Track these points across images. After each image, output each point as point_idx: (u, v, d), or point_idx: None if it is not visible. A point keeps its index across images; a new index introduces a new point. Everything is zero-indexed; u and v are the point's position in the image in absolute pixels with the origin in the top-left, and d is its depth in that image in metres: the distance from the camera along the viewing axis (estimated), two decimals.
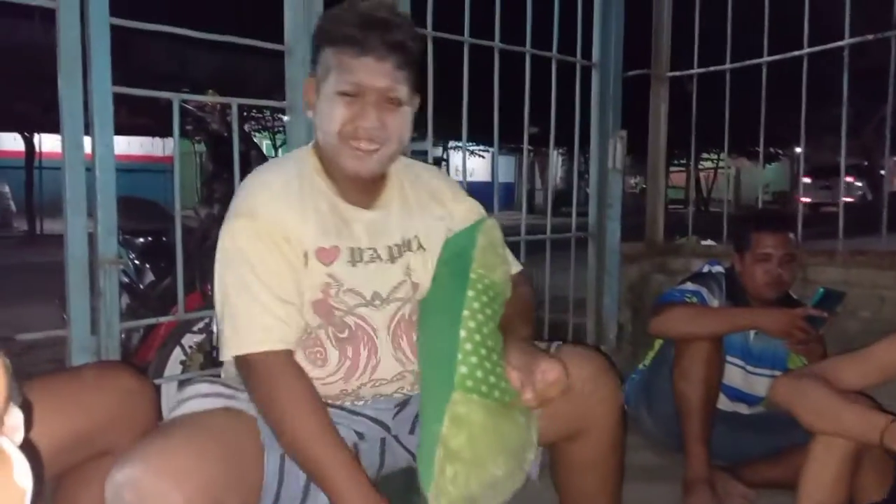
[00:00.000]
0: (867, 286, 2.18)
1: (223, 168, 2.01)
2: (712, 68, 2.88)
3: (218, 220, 2.11)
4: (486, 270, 1.20)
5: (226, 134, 2.04)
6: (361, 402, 1.23)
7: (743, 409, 2.13)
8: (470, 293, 1.16)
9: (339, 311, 1.17)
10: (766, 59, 2.69)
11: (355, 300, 1.18)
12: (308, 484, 1.12)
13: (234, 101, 1.84)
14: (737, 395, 2.12)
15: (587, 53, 2.63)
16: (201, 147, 2.19)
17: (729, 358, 2.04)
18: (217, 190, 2.06)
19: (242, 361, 1.11)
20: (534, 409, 1.14)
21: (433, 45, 2.07)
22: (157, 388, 1.22)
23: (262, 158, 2.34)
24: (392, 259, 1.23)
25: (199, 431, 1.03)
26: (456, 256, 1.24)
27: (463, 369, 1.10)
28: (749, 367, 2.10)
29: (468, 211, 1.34)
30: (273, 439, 1.10)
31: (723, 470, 1.94)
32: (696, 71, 2.92)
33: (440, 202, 1.31)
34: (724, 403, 2.07)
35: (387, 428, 1.24)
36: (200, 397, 1.12)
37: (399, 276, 1.23)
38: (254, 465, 1.08)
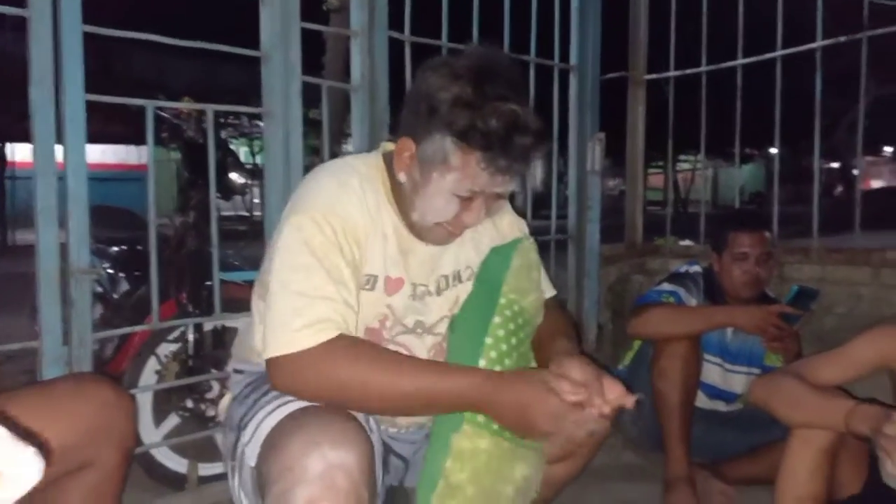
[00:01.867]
0: (842, 283, 2.22)
1: (198, 175, 1.99)
2: (688, 71, 2.91)
3: (193, 228, 2.11)
4: (517, 295, 1.18)
5: (201, 141, 2.03)
6: (396, 430, 1.23)
7: (721, 406, 2.15)
8: (496, 319, 1.13)
9: (386, 339, 1.16)
10: (741, 61, 2.72)
11: (400, 329, 1.17)
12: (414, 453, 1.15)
13: (210, 108, 1.82)
14: (715, 393, 2.14)
15: (565, 57, 2.64)
16: (178, 154, 2.17)
17: (707, 356, 2.07)
18: (193, 197, 2.03)
19: (294, 357, 0.99)
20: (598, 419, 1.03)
21: (410, 49, 2.07)
22: (134, 399, 1.20)
23: (239, 165, 2.32)
24: (439, 292, 1.20)
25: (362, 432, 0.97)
26: (488, 277, 1.20)
27: None
28: (727, 365, 2.12)
29: (510, 225, 1.31)
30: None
31: (702, 468, 1.96)
32: (672, 74, 2.95)
33: (490, 221, 1.25)
34: (702, 401, 2.08)
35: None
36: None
37: (444, 309, 1.20)
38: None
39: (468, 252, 1.23)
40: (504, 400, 1.00)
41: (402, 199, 1.14)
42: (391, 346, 1.15)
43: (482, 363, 1.08)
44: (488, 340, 1.11)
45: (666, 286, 2.12)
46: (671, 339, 1.96)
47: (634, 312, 2.07)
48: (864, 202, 2.56)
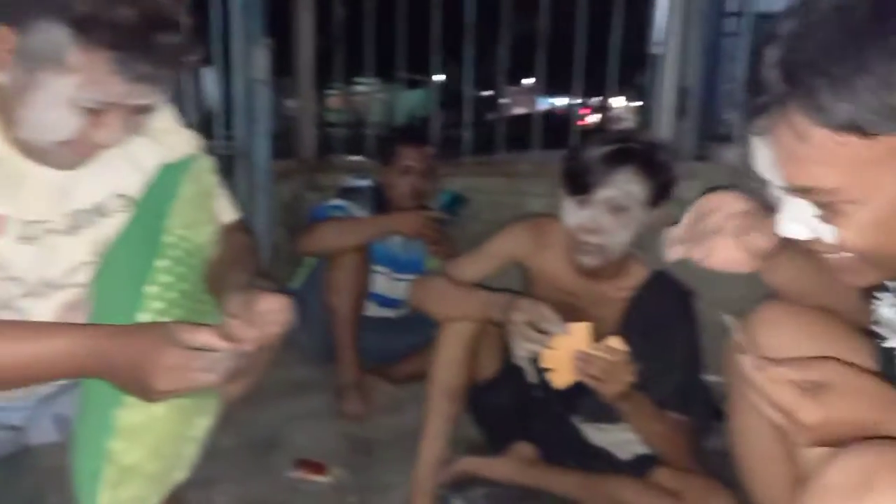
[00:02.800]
0: (487, 192, 2.49)
1: None
2: None
3: None
4: (188, 231, 0.97)
5: None
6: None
7: (390, 313, 2.28)
8: (160, 263, 0.92)
9: None
10: None
11: (16, 289, 0.90)
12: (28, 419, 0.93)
13: None
14: (384, 302, 2.25)
15: None
16: None
17: (377, 267, 2.16)
18: None
19: None
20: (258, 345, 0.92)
21: None
22: None
23: None
24: (73, 231, 0.94)
25: None
26: (150, 208, 0.97)
27: None
28: (394, 274, 2.24)
29: (178, 139, 1.05)
30: None
31: (371, 372, 2.07)
32: None
33: (151, 137, 1.00)
34: (372, 310, 2.18)
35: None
36: None
37: (82, 254, 0.95)
38: None
39: (123, 175, 0.98)
40: (117, 360, 0.81)
41: (4, 107, 0.86)
42: (2, 314, 0.89)
43: (143, 318, 0.89)
44: (150, 289, 0.90)
45: (335, 201, 2.14)
46: (340, 253, 1.99)
47: (304, 229, 2.08)
48: (508, 125, 2.88)
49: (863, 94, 0.59)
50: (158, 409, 0.89)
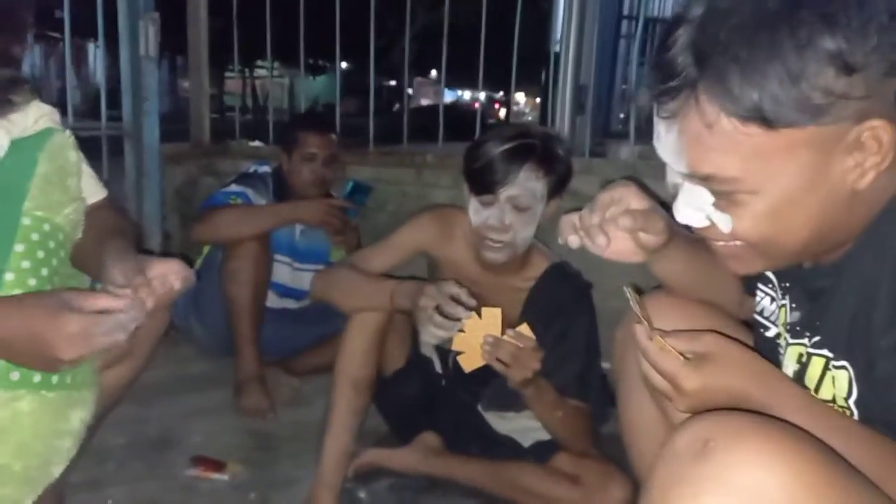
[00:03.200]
0: (393, 182, 2.46)
1: None
2: None
3: None
4: (46, 212, 0.92)
5: None
6: None
7: (291, 304, 2.22)
8: (19, 248, 0.88)
9: None
10: None
11: None
12: None
13: None
14: (285, 292, 2.19)
15: None
16: None
17: (277, 256, 2.10)
18: None
19: None
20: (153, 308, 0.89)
21: None
22: None
23: None
24: None
25: None
26: (3, 188, 0.90)
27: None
28: (296, 264, 2.19)
29: (34, 115, 0.96)
30: None
31: (273, 365, 2.01)
32: None
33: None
34: (273, 301, 2.12)
35: None
36: None
37: None
38: None
39: None
40: (9, 332, 0.78)
41: None
42: None
43: None
44: (9, 277, 0.86)
45: (234, 187, 2.06)
46: (240, 241, 1.92)
47: (200, 217, 1.98)
48: (414, 116, 2.87)
49: (771, 82, 0.61)
50: (23, 406, 0.87)
